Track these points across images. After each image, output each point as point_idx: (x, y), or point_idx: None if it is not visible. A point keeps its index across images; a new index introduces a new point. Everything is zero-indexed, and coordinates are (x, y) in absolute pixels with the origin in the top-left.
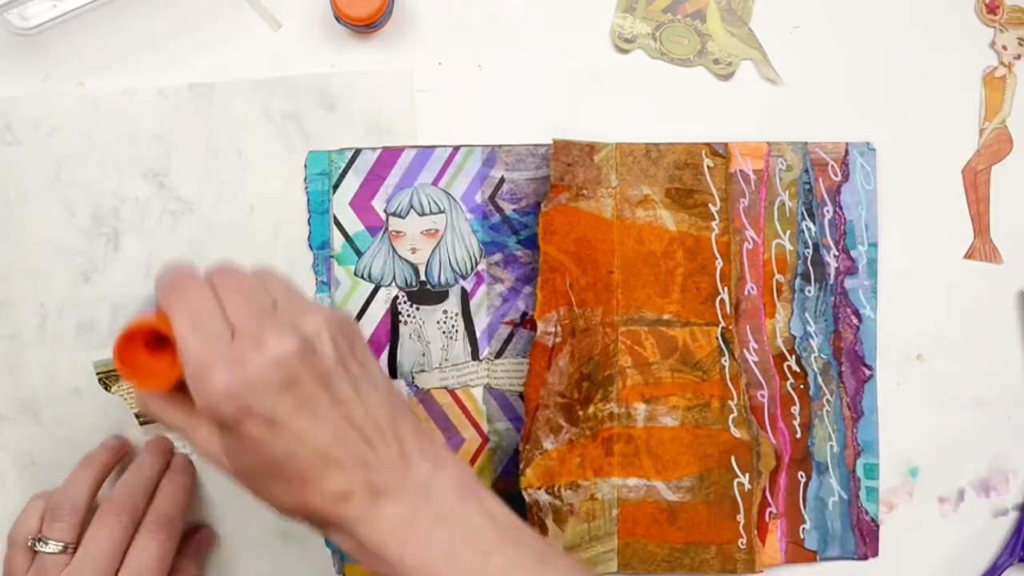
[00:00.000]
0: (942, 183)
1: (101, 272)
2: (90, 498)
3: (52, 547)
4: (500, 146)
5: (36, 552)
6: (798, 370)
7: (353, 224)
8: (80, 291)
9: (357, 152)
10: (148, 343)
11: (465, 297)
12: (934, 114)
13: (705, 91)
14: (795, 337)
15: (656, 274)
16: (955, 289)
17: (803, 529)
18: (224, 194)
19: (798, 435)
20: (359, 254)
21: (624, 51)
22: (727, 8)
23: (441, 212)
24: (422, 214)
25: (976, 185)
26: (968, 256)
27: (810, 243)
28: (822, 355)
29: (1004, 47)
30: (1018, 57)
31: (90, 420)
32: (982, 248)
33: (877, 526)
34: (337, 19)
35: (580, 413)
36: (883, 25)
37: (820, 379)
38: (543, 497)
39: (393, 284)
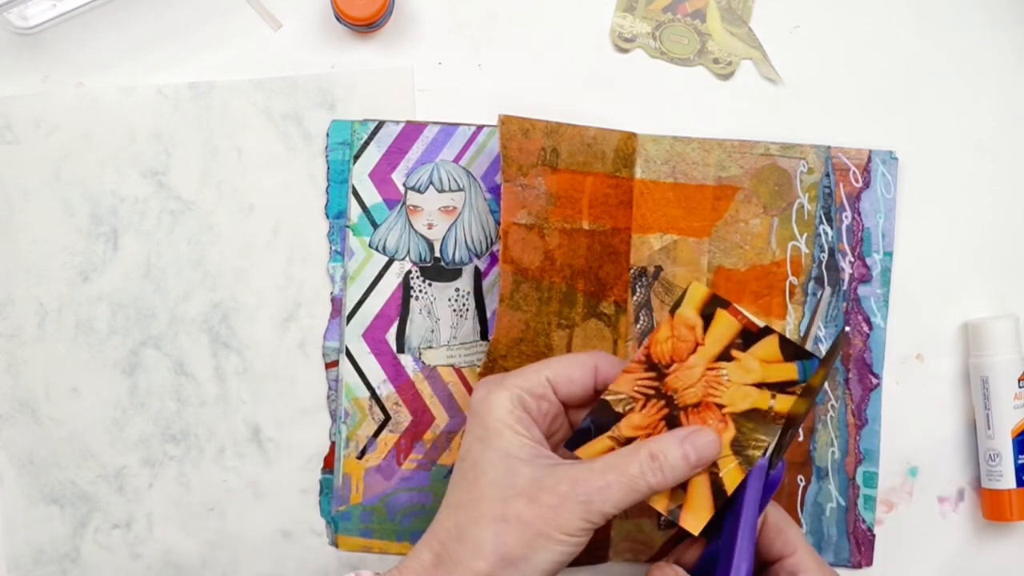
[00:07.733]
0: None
1: (100, 271)
2: None
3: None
4: None
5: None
6: None
7: (371, 195)
8: (79, 290)
9: (380, 124)
10: None
11: (478, 276)
12: (934, 114)
13: (705, 91)
14: (804, 340)
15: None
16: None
17: None
18: (224, 194)
19: (800, 438)
20: (375, 226)
21: (624, 51)
22: (727, 8)
23: (460, 190)
24: (441, 190)
25: None
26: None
27: (826, 247)
28: None
29: None
30: None
31: (89, 420)
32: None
33: (873, 536)
34: (337, 19)
35: None
36: (883, 24)
37: (826, 384)
38: None
39: (407, 258)
